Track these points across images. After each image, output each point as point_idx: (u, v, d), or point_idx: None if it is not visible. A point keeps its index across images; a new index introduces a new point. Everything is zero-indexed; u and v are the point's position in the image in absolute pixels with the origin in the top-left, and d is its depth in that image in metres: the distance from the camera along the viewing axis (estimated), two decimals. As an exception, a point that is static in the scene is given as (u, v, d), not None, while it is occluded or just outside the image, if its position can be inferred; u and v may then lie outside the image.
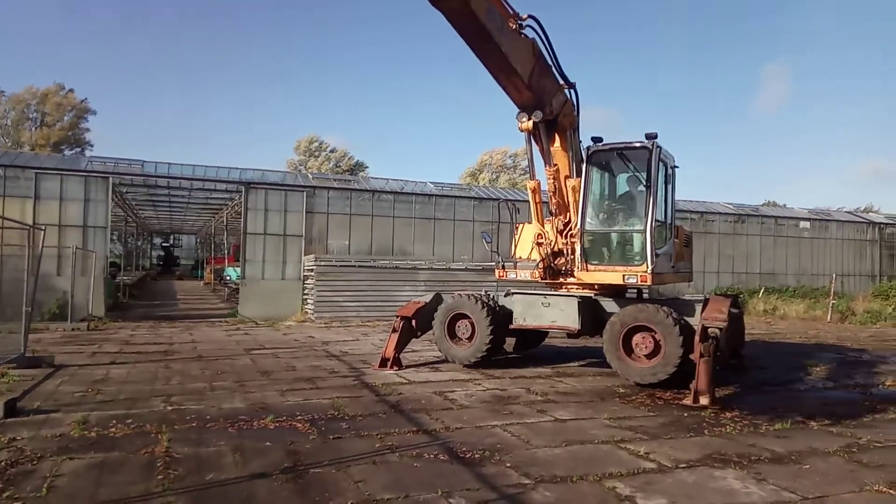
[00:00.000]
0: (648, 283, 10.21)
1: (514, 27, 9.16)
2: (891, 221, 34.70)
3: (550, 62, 10.16)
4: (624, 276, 10.25)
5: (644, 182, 10.25)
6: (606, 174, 11.24)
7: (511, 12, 9.15)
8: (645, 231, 10.14)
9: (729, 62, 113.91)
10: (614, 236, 10.91)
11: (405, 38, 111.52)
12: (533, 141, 10.70)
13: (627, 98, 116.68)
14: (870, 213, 39.19)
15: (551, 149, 10.77)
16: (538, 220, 11.28)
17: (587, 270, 10.58)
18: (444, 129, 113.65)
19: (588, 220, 10.70)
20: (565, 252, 10.97)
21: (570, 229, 10.88)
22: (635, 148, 10.49)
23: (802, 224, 31.61)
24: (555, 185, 10.80)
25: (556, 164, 10.75)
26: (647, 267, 10.06)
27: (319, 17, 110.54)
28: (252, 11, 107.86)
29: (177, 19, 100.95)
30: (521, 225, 12.49)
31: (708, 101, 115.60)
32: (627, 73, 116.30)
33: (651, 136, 10.34)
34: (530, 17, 9.48)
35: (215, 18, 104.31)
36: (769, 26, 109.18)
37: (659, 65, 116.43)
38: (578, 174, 10.90)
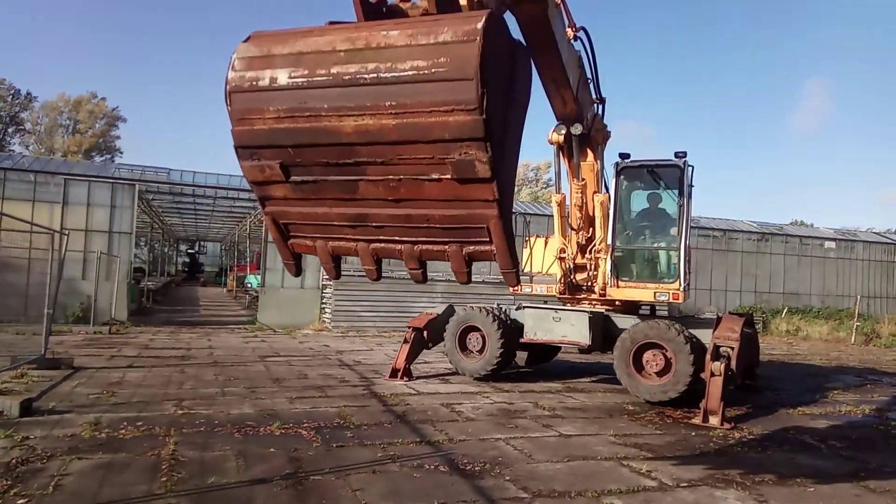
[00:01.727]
0: (680, 300, 10.27)
1: (571, 37, 9.19)
2: (920, 243, 33.96)
3: (590, 75, 10.15)
4: (655, 293, 10.29)
5: (676, 200, 10.35)
6: (636, 190, 11.27)
7: (570, 21, 9.17)
8: (679, 248, 10.23)
9: (762, 81, 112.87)
10: (646, 253, 10.96)
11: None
12: (561, 154, 10.69)
13: (651, 111, 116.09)
14: (899, 234, 38.40)
15: (582, 163, 10.75)
16: (562, 235, 11.25)
17: (617, 287, 10.59)
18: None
19: (619, 236, 10.74)
20: (588, 268, 10.94)
21: (595, 245, 10.84)
22: (666, 165, 10.57)
23: (828, 244, 31.08)
24: (581, 200, 10.74)
25: (584, 179, 10.70)
26: (680, 284, 10.12)
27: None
28: (277, 22, 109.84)
29: (206, 32, 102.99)
30: (532, 238, 12.51)
31: (737, 119, 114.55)
32: (657, 84, 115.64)
33: (680, 155, 10.40)
34: (582, 28, 9.47)
35: (244, 30, 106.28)
36: (806, 44, 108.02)
37: (689, 78, 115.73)
38: (603, 190, 10.95)
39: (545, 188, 68.33)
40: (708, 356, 8.88)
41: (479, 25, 3.13)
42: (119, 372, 10.94)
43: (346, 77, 3.31)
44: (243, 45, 3.61)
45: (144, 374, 10.82)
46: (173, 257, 64.25)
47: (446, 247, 3.91)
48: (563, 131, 10.01)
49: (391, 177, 3.53)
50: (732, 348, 8.90)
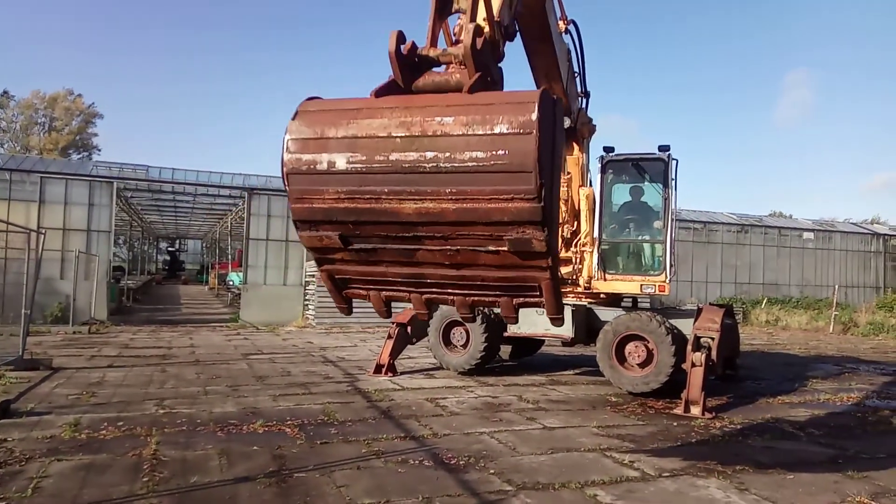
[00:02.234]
0: (666, 292, 10.39)
1: (563, 30, 9.16)
2: (895, 233, 34.57)
3: (577, 69, 10.15)
4: (641, 285, 10.38)
5: (662, 193, 10.45)
6: (621, 184, 11.33)
7: (563, 14, 9.13)
8: (665, 241, 10.33)
9: (742, 74, 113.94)
10: (632, 246, 11.04)
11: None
12: None
13: (631, 105, 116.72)
14: (875, 225, 39.04)
15: (567, 157, 10.78)
16: None
17: (604, 280, 10.66)
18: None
19: (604, 229, 10.81)
20: (574, 261, 10.99)
21: (580, 238, 10.90)
22: (651, 159, 10.66)
23: (806, 235, 31.52)
24: (567, 194, 10.80)
25: (569, 173, 10.76)
26: (666, 276, 10.24)
27: (324, 23, 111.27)
28: (258, 18, 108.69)
29: (183, 26, 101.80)
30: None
31: (718, 112, 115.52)
32: (640, 78, 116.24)
33: (664, 148, 10.49)
34: (572, 21, 9.43)
35: (222, 26, 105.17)
36: (787, 37, 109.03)
37: (666, 70, 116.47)
38: (587, 184, 11.00)
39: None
40: (689, 347, 8.96)
41: (534, 117, 3.22)
42: (99, 372, 10.82)
43: (406, 165, 3.40)
44: (294, 124, 3.65)
45: (125, 374, 10.71)
46: (153, 255, 63.68)
47: (498, 298, 4.07)
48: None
49: (448, 247, 3.68)
50: (713, 339, 9.00)
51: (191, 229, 49.45)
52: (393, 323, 11.80)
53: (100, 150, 59.76)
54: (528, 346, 13.27)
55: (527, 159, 3.22)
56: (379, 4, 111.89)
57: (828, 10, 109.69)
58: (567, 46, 9.56)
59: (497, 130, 3.27)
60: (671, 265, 10.37)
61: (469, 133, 3.32)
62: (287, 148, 3.62)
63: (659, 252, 10.59)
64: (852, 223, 37.59)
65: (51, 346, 14.05)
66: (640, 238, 11.07)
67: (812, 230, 31.94)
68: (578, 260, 10.90)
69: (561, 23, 9.01)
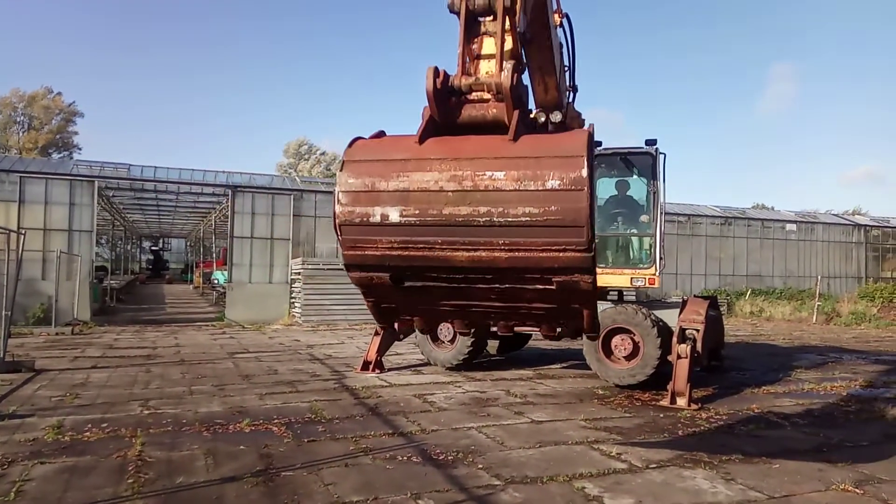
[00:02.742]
0: (656, 285, 10.49)
1: (557, 23, 9.11)
2: (876, 224, 35.02)
3: (568, 62, 10.12)
4: (631, 278, 10.46)
5: (650, 187, 10.53)
6: (609, 178, 11.37)
7: (558, 6, 9.07)
8: (655, 234, 10.43)
9: (722, 66, 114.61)
10: (621, 240, 11.11)
11: (398, 40, 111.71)
12: None
13: (619, 98, 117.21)
14: (856, 216, 39.52)
15: None
16: None
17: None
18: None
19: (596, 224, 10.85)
20: None
21: None
22: (639, 153, 10.73)
23: (789, 227, 31.82)
24: None
25: None
26: (656, 269, 10.33)
27: (309, 18, 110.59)
28: (241, 14, 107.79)
29: (164, 22, 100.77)
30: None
31: (697, 104, 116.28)
32: (626, 70, 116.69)
33: (651, 142, 10.56)
34: (566, 14, 9.38)
35: (204, 21, 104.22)
36: (769, 29, 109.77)
37: (652, 64, 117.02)
38: None
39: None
40: (674, 339, 9.02)
41: (584, 173, 3.36)
42: (83, 373, 10.70)
43: (459, 218, 3.51)
44: (344, 176, 3.72)
45: (109, 375, 10.60)
46: (137, 255, 63.01)
47: (539, 324, 4.32)
48: (542, 118, 9.98)
49: (497, 286, 3.83)
50: (698, 331, 9.07)
51: (174, 228, 49.00)
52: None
53: (80, 149, 59.18)
54: (515, 341, 13.29)
55: (579, 215, 3.38)
56: None
57: (812, 2, 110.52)
58: (560, 40, 9.55)
59: (549, 186, 3.39)
60: (660, 258, 10.47)
61: (521, 188, 3.42)
62: (339, 200, 3.72)
63: (648, 245, 10.69)
64: (834, 214, 38.02)
65: (33, 347, 13.88)
66: (629, 231, 11.14)
67: (794, 222, 32.25)
68: None
69: (556, 16, 8.98)
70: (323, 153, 68.88)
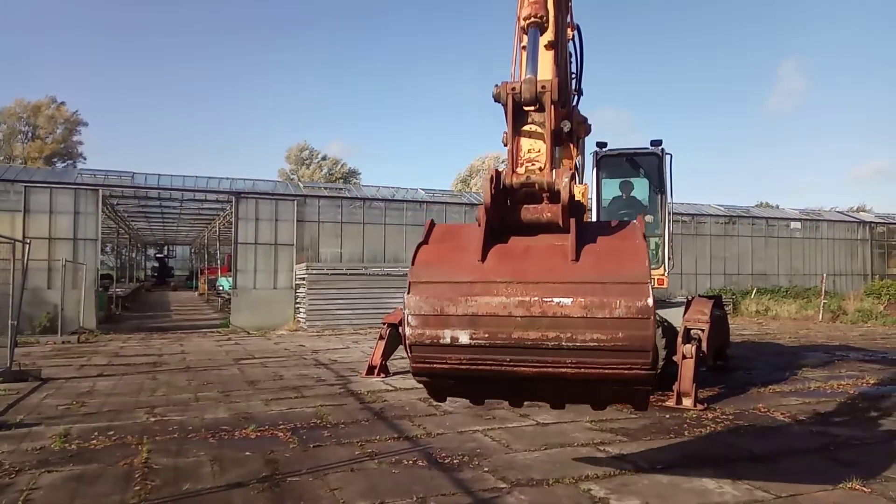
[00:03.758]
0: (665, 285, 10.49)
1: (570, 37, 9.13)
2: (881, 220, 34.90)
3: (575, 70, 10.13)
4: None
5: (657, 187, 10.54)
6: (615, 179, 11.38)
7: (571, 20, 9.09)
8: (663, 234, 10.44)
9: (732, 65, 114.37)
10: None
11: (398, 47, 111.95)
12: None
13: (625, 98, 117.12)
14: (861, 213, 39.37)
15: (565, 160, 10.77)
16: None
17: None
18: (438, 135, 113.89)
19: None
20: None
21: None
22: (645, 154, 10.74)
23: (793, 224, 31.73)
24: None
25: None
26: (665, 270, 10.34)
27: (309, 24, 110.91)
28: (242, 20, 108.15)
29: (167, 29, 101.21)
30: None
31: (703, 104, 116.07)
32: (634, 70, 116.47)
33: (656, 143, 10.57)
34: (577, 26, 9.40)
35: (206, 28, 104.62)
36: (779, 27, 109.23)
37: (658, 61, 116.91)
38: (579, 180, 11.04)
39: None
40: (679, 339, 9.00)
41: (650, 302, 3.54)
42: (89, 381, 10.73)
43: (528, 342, 3.66)
44: (412, 299, 3.85)
45: (115, 383, 10.63)
46: (142, 262, 63.23)
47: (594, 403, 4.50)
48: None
49: (558, 389, 4.10)
50: (703, 330, 9.04)
51: (179, 235, 49.14)
52: (384, 324, 11.78)
53: (85, 159, 59.40)
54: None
55: (646, 342, 3.56)
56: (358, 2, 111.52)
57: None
58: (569, 49, 9.57)
59: (616, 315, 3.55)
60: (669, 258, 10.49)
61: (589, 316, 3.58)
62: (408, 322, 3.86)
63: (655, 245, 10.69)
64: (839, 212, 37.89)
65: (39, 356, 13.93)
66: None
67: (799, 220, 32.16)
68: None
69: (569, 30, 9.00)
70: (324, 158, 68.96)
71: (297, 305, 21.84)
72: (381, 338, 11.59)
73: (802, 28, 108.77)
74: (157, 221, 37.65)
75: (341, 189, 27.70)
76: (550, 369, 3.73)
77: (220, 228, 35.02)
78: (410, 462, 6.12)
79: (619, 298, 3.57)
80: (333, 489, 5.34)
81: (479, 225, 4.00)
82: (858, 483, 5.48)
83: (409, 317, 3.84)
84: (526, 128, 4.21)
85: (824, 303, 24.70)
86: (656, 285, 10.51)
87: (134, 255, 56.40)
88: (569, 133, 11.12)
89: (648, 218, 10.77)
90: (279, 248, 22.22)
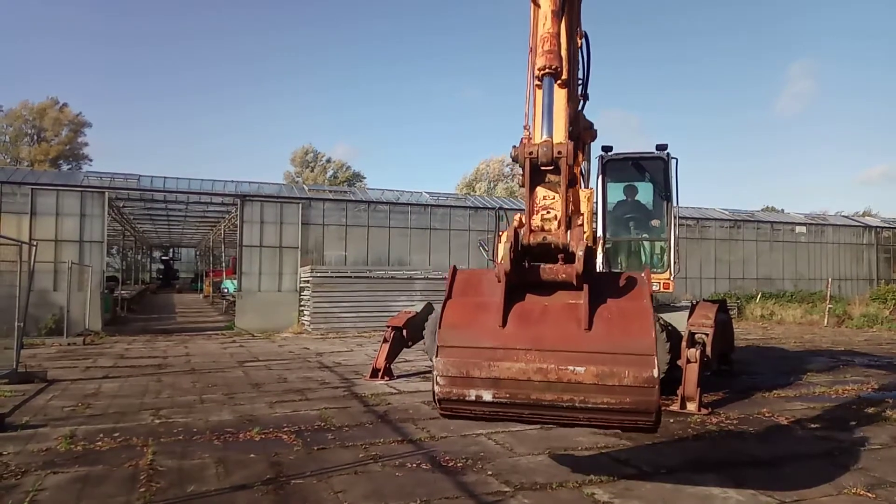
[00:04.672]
0: (671, 289, 10.49)
1: (579, 45, 9.16)
2: (887, 225, 34.77)
3: (582, 75, 10.15)
4: None
5: (663, 191, 10.55)
6: (620, 183, 11.39)
7: (580, 27, 9.12)
8: (669, 239, 10.45)
9: (737, 68, 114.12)
10: (635, 244, 11.12)
11: (404, 50, 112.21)
12: None
13: (637, 99, 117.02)
14: (866, 217, 39.25)
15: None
16: None
17: None
18: (442, 139, 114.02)
19: (608, 228, 10.85)
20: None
21: None
22: (650, 158, 10.74)
23: (799, 229, 31.65)
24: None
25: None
26: (671, 274, 10.33)
27: (314, 27, 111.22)
28: (248, 24, 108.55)
29: (172, 30, 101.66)
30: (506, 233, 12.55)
31: (710, 107, 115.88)
32: (642, 72, 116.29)
33: (661, 147, 10.57)
34: (585, 33, 9.44)
35: (212, 32, 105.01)
36: (788, 30, 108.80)
37: (666, 63, 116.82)
38: (584, 185, 11.06)
39: (522, 186, 68.58)
40: (683, 343, 8.99)
41: (655, 374, 3.97)
42: (94, 383, 10.78)
43: (545, 402, 4.13)
44: (441, 362, 4.24)
45: (120, 385, 10.67)
46: (147, 265, 63.42)
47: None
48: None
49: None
50: (707, 335, 9.02)
51: (184, 238, 49.30)
52: (388, 326, 11.80)
53: (91, 160, 59.64)
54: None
55: (651, 406, 4.03)
56: (373, 4, 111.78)
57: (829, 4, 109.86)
58: (578, 56, 9.58)
59: (625, 383, 3.98)
60: (676, 261, 10.48)
61: (600, 383, 4.01)
62: (437, 381, 4.27)
63: (660, 249, 10.70)
64: (844, 216, 37.78)
65: (45, 358, 13.99)
66: (644, 236, 11.15)
67: (804, 224, 32.07)
68: None
69: (577, 38, 9.02)
70: (329, 161, 69.14)
71: (302, 308, 21.88)
72: (385, 341, 11.60)
73: (810, 31, 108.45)
74: (163, 224, 37.78)
75: (346, 192, 27.75)
76: (565, 421, 4.34)
77: (225, 231, 35.13)
78: (414, 465, 6.13)
79: (628, 369, 3.99)
80: (337, 492, 5.35)
81: (499, 280, 4.35)
82: (863, 488, 5.48)
83: (438, 377, 4.26)
84: (551, 208, 4.53)
85: (829, 307, 24.62)
86: (661, 289, 10.50)
87: (139, 257, 56.64)
88: (575, 139, 11.17)
89: (654, 222, 10.78)
90: (284, 250, 22.28)
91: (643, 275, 4.52)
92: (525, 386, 4.11)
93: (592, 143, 11.33)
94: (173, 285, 58.63)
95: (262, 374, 11.97)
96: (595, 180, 10.94)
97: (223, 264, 39.89)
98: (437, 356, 4.26)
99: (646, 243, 11.12)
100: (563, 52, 5.07)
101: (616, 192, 11.38)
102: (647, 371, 3.97)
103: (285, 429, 7.51)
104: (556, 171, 4.42)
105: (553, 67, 4.83)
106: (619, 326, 4.18)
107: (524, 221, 4.49)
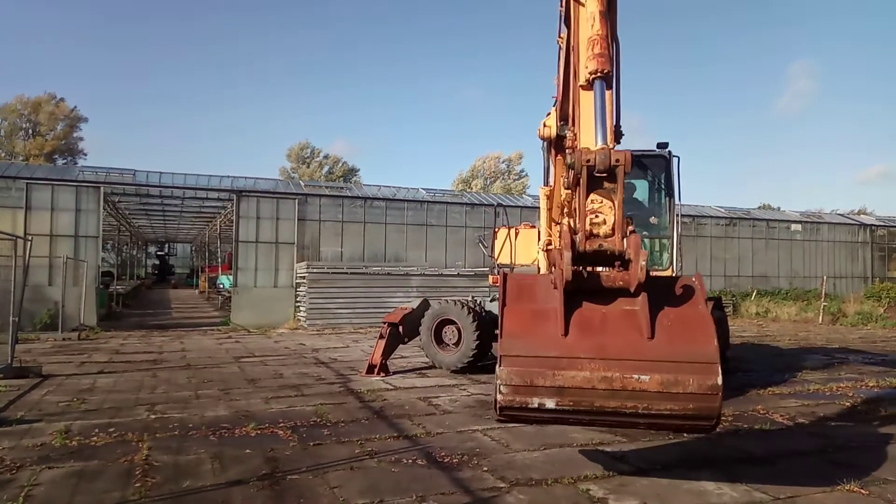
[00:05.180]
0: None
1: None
2: (882, 223, 34.89)
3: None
4: None
5: (664, 189, 10.55)
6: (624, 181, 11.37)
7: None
8: (672, 236, 10.47)
9: (736, 68, 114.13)
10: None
11: (400, 50, 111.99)
12: (551, 150, 10.69)
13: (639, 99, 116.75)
14: (861, 216, 39.37)
15: None
16: (548, 227, 11.30)
17: None
18: (439, 135, 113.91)
19: None
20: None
21: None
22: (652, 156, 10.75)
23: (794, 227, 31.73)
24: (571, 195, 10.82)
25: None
26: (673, 271, 10.37)
27: (312, 24, 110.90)
28: (245, 19, 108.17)
29: (168, 26, 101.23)
30: (508, 229, 12.55)
31: (708, 107, 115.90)
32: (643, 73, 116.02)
33: (662, 145, 10.58)
34: (616, 38, 9.44)
35: (207, 25, 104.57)
36: (788, 29, 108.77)
37: (665, 65, 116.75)
38: None
39: (517, 179, 68.70)
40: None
41: (719, 381, 4.05)
42: (89, 378, 10.75)
43: (608, 409, 4.20)
44: (504, 371, 4.26)
45: (116, 380, 10.65)
46: (142, 260, 63.24)
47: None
48: (566, 130, 9.89)
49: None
50: (703, 332, 9.06)
51: (180, 233, 49.16)
52: (384, 323, 11.80)
53: (86, 155, 59.39)
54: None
55: (713, 412, 4.14)
56: (374, 4, 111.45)
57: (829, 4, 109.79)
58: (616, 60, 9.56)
59: (690, 391, 4.06)
60: (677, 259, 10.51)
61: (664, 391, 4.09)
62: (500, 390, 4.28)
63: (665, 247, 10.72)
64: (839, 214, 37.89)
65: (40, 353, 13.95)
66: (644, 234, 11.17)
67: (800, 222, 32.16)
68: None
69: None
70: (326, 156, 69.02)
71: (298, 304, 21.85)
72: (381, 337, 11.61)
73: (810, 32, 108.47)
74: (159, 219, 37.68)
75: (342, 188, 27.71)
76: (626, 426, 4.58)
77: (221, 226, 35.05)
78: (410, 461, 6.14)
79: (692, 376, 4.07)
80: (333, 487, 5.36)
81: (555, 287, 4.41)
82: (857, 485, 5.50)
83: (501, 385, 4.26)
84: (605, 215, 4.58)
85: (824, 305, 24.71)
86: None
87: (135, 252, 56.44)
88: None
89: (653, 219, 10.78)
90: (280, 246, 22.24)
91: (694, 279, 4.58)
92: (589, 394, 4.17)
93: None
94: (169, 281, 58.54)
95: (257, 369, 11.96)
96: None
97: (219, 260, 39.84)
98: (499, 365, 4.28)
99: (646, 240, 11.13)
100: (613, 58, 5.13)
101: (630, 191, 11.40)
102: (712, 379, 4.04)
103: (281, 424, 7.51)
104: (612, 179, 4.48)
105: (604, 71, 4.91)
106: (682, 334, 4.25)
107: (576, 227, 4.54)
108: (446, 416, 8.15)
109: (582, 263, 4.43)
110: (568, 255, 4.25)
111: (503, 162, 70.65)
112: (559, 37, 8.10)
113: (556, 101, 10.03)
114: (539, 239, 11.98)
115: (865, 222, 34.48)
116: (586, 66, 5.05)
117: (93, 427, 7.30)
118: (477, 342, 11.23)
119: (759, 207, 44.51)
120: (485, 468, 5.92)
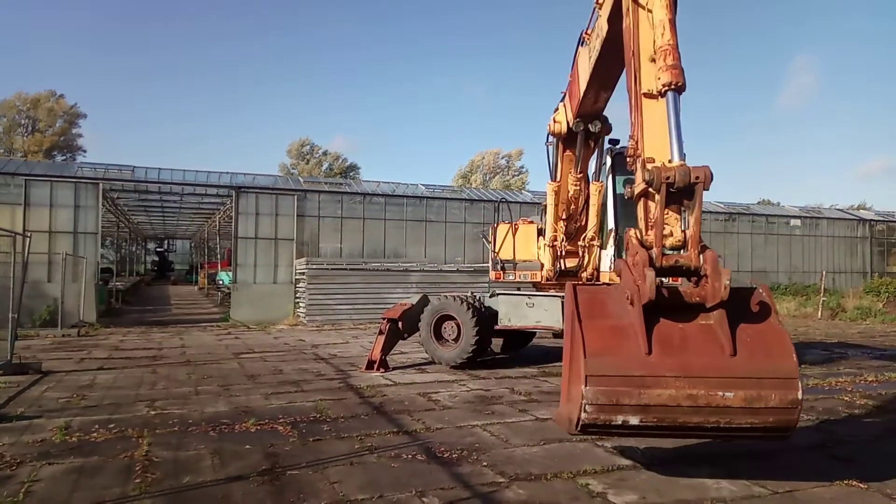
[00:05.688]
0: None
1: None
2: (881, 218, 34.90)
3: None
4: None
5: None
6: (630, 176, 11.31)
7: None
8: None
9: (737, 60, 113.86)
10: None
11: (399, 40, 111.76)
12: (560, 145, 10.62)
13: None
14: (861, 211, 39.37)
15: (583, 155, 10.65)
16: (554, 223, 11.26)
17: None
18: (438, 131, 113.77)
19: (619, 221, 10.84)
20: (580, 254, 11.02)
21: (587, 233, 10.89)
22: None
23: (793, 222, 31.74)
24: (584, 192, 10.81)
25: (583, 171, 10.75)
26: None
27: (310, 18, 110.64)
28: (245, 15, 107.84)
29: (167, 22, 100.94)
30: (509, 225, 12.53)
31: (706, 106, 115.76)
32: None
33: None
34: None
35: (206, 21, 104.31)
36: (786, 28, 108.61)
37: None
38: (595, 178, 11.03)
39: (516, 175, 68.62)
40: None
41: (800, 395, 4.25)
42: (89, 374, 10.76)
43: (691, 425, 4.36)
44: (590, 391, 4.33)
45: (115, 376, 10.66)
46: (142, 256, 63.18)
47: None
48: (581, 127, 9.81)
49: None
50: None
51: (179, 229, 49.14)
52: (384, 319, 11.81)
53: (85, 152, 59.26)
54: (519, 339, 13.32)
55: (791, 424, 4.36)
56: (375, 5, 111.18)
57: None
58: None
59: (771, 405, 4.26)
60: None
61: (747, 406, 4.25)
62: (584, 409, 4.34)
63: None
64: (839, 209, 37.91)
65: (40, 349, 13.96)
66: None
67: (799, 217, 32.16)
68: (586, 253, 10.92)
69: None
70: (325, 153, 68.94)
71: (297, 300, 21.86)
72: (380, 333, 11.62)
73: (811, 30, 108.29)
74: (158, 215, 37.63)
75: (342, 184, 27.71)
76: (703, 436, 4.67)
77: (220, 223, 35.00)
78: (410, 456, 6.14)
79: (774, 392, 4.26)
80: (333, 482, 5.37)
81: (631, 304, 4.50)
82: (855, 479, 5.51)
83: (587, 405, 4.33)
84: (675, 231, 4.83)
85: (823, 300, 24.74)
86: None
87: (134, 248, 56.38)
88: (596, 133, 10.97)
89: None
90: (279, 242, 22.23)
91: (761, 290, 4.64)
92: (674, 411, 4.28)
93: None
94: (168, 277, 58.41)
95: (257, 365, 11.97)
96: (605, 173, 10.91)
97: (218, 256, 39.84)
98: (585, 385, 4.32)
99: None
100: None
101: (620, 186, 11.37)
102: (793, 393, 4.21)
103: (281, 420, 7.52)
104: (688, 195, 4.61)
105: (678, 84, 4.91)
106: (761, 350, 4.38)
107: (650, 242, 4.65)
108: (446, 411, 8.16)
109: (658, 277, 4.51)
110: (651, 273, 4.35)
111: (503, 157, 70.59)
112: (586, 32, 8.00)
113: (564, 96, 10.00)
114: (540, 234, 11.99)
115: (865, 217, 34.49)
116: (658, 77, 5.06)
117: (93, 423, 7.30)
118: (476, 338, 11.23)
119: (758, 203, 44.49)
120: (484, 463, 5.93)
